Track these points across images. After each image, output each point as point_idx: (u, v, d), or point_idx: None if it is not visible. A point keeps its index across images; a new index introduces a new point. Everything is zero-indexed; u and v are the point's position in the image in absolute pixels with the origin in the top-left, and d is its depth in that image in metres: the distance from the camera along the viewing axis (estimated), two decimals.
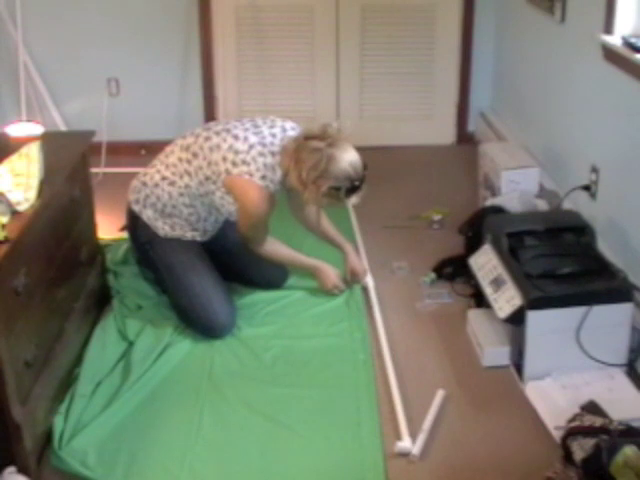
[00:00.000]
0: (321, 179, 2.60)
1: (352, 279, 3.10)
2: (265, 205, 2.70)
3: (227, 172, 2.68)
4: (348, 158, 2.63)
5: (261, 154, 2.70)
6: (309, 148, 2.62)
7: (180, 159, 2.80)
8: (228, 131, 2.75)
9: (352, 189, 2.64)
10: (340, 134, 2.65)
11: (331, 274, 3.03)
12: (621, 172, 2.82)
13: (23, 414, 2.10)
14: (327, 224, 3.13)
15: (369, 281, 3.12)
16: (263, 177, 2.69)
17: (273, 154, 2.71)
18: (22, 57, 4.24)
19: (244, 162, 2.68)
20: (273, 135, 2.75)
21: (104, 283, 2.99)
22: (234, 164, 2.68)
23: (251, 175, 2.67)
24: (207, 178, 2.73)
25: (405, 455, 2.23)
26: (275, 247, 2.94)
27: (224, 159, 2.69)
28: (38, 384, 2.23)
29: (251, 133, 2.74)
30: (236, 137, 2.72)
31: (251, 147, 2.70)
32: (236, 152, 2.69)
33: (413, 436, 2.29)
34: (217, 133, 2.76)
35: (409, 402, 2.45)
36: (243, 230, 2.79)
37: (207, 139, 2.75)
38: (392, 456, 2.24)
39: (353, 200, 2.68)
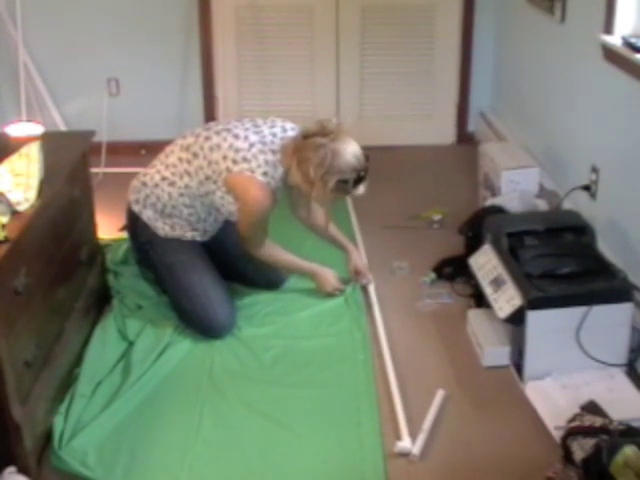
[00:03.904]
0: (328, 175, 2.61)
1: (355, 278, 3.10)
2: (267, 201, 2.70)
3: (228, 170, 2.68)
4: (351, 150, 2.64)
5: (262, 152, 2.70)
6: (312, 146, 2.62)
7: (180, 159, 2.80)
8: (228, 131, 2.75)
9: (358, 180, 2.66)
10: (340, 127, 2.66)
11: (329, 277, 3.02)
12: (621, 172, 2.82)
13: (23, 414, 2.10)
14: (330, 224, 3.13)
15: (371, 281, 3.12)
16: (264, 173, 2.68)
17: (274, 152, 2.71)
18: (22, 57, 4.24)
19: (245, 159, 2.68)
20: (273, 134, 2.75)
21: (104, 283, 2.99)
22: (235, 162, 2.68)
23: (252, 172, 2.67)
24: (207, 178, 2.73)
25: (405, 455, 2.23)
26: (273, 251, 2.93)
27: (224, 158, 2.69)
28: (38, 384, 2.23)
29: (251, 132, 2.74)
30: (236, 136, 2.72)
31: (252, 145, 2.70)
32: (236, 150, 2.69)
33: (413, 436, 2.29)
34: (217, 133, 2.76)
35: (409, 402, 2.45)
36: (243, 230, 2.79)
37: (207, 139, 2.75)
38: (392, 456, 2.23)
39: (360, 190, 2.69)
